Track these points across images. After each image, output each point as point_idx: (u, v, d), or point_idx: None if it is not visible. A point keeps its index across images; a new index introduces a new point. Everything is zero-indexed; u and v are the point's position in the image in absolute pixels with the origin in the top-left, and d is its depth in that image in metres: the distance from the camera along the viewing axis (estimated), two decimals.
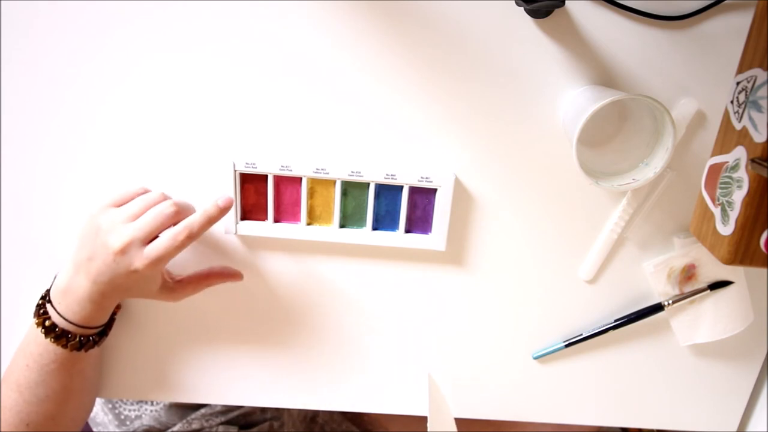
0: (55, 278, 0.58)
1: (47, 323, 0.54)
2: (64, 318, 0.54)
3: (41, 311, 0.55)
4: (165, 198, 0.55)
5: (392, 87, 0.55)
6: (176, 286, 0.58)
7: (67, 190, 0.59)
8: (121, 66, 0.55)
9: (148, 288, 0.55)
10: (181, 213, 0.53)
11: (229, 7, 0.53)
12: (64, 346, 0.55)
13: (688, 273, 0.62)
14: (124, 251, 0.51)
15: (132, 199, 0.55)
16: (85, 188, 0.59)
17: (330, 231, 0.59)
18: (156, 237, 0.52)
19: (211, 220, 0.53)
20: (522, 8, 0.52)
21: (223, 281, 0.60)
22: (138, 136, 0.57)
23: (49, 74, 0.55)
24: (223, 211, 0.54)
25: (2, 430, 0.56)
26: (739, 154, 0.50)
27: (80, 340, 0.55)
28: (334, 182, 0.57)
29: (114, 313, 0.59)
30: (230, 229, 0.59)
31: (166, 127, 0.57)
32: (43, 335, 0.54)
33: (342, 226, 0.59)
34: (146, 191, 0.56)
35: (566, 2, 0.52)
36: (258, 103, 0.56)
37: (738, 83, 0.52)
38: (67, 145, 0.57)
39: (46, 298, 0.56)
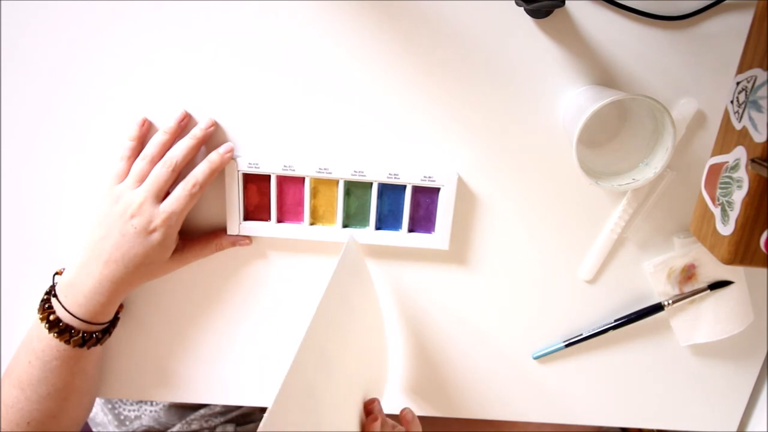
0: (54, 276, 0.59)
1: (51, 318, 0.55)
2: (69, 312, 0.54)
3: (46, 305, 0.55)
4: (162, 148, 0.55)
5: (394, 87, 0.55)
6: (186, 245, 0.58)
7: (67, 189, 0.59)
8: (121, 66, 0.55)
9: (161, 255, 0.55)
10: (170, 136, 0.55)
11: (231, 7, 0.53)
12: (67, 342, 0.55)
13: (688, 273, 0.62)
14: (140, 211, 0.53)
15: (130, 166, 0.55)
16: (85, 188, 0.59)
17: (333, 231, 0.59)
18: (167, 195, 0.54)
19: (214, 169, 0.55)
20: (522, 8, 0.52)
21: (232, 245, 0.60)
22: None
23: (49, 74, 0.55)
24: (224, 157, 0.55)
25: (4, 428, 0.56)
26: (739, 154, 0.50)
27: (83, 336, 0.55)
28: (337, 182, 0.57)
29: (118, 312, 0.59)
30: (233, 229, 0.59)
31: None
32: (47, 330, 0.54)
33: (345, 225, 0.59)
34: (135, 139, 0.56)
35: (566, 2, 0.52)
36: (261, 104, 0.56)
37: (738, 83, 0.52)
38: (67, 145, 0.57)
39: (51, 292, 0.56)
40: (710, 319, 0.63)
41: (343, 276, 0.53)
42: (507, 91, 0.56)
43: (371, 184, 0.58)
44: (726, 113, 0.53)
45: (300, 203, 0.58)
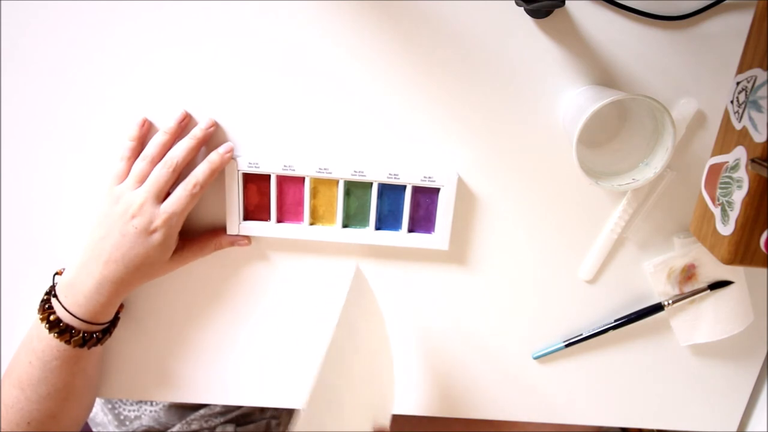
0: (55, 276, 0.59)
1: (52, 318, 0.55)
2: (69, 312, 0.54)
3: (46, 306, 0.55)
4: (163, 148, 0.55)
5: (394, 87, 0.55)
6: (185, 245, 0.58)
7: (67, 189, 0.59)
8: (122, 66, 0.55)
9: (162, 256, 0.55)
10: (170, 137, 0.55)
11: (231, 7, 0.53)
12: (68, 342, 0.55)
13: (688, 273, 0.62)
14: (141, 212, 0.53)
15: (131, 166, 0.55)
16: (85, 188, 0.59)
17: (333, 231, 0.59)
18: (167, 196, 0.54)
19: (215, 169, 0.55)
20: (522, 8, 0.52)
21: (231, 245, 0.60)
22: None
23: (49, 74, 0.55)
24: (224, 157, 0.55)
25: (4, 428, 0.56)
26: (739, 154, 0.50)
27: (84, 336, 0.55)
28: (337, 182, 0.57)
29: (118, 312, 0.59)
30: (233, 229, 0.59)
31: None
32: (47, 330, 0.54)
33: (345, 225, 0.59)
34: (136, 139, 0.56)
35: (566, 2, 0.52)
36: (261, 103, 0.56)
37: (738, 83, 0.52)
38: (67, 145, 0.57)
39: (51, 293, 0.56)
40: (710, 319, 0.63)
41: (352, 310, 0.53)
42: (507, 91, 0.56)
43: (371, 184, 0.57)
44: (726, 113, 0.53)
45: (300, 203, 0.58)
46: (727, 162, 0.52)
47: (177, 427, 0.81)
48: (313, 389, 0.43)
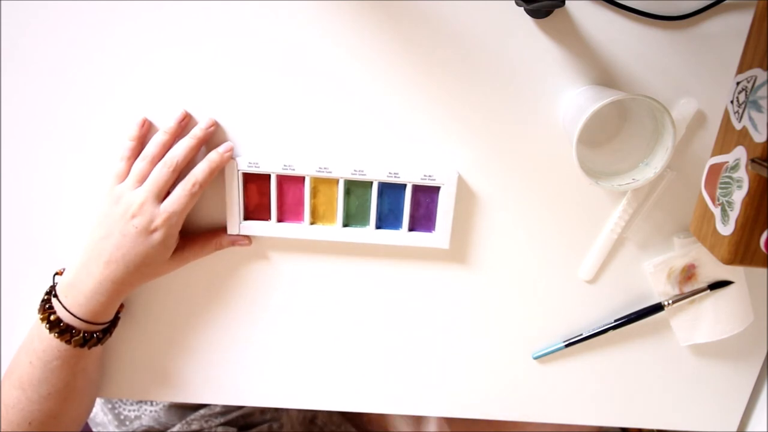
0: (55, 276, 0.59)
1: (52, 318, 0.55)
2: (69, 312, 0.54)
3: (46, 306, 0.56)
4: (163, 148, 0.55)
5: (394, 86, 0.55)
6: (185, 245, 0.58)
7: (67, 189, 0.59)
8: (121, 65, 0.55)
9: (162, 255, 0.55)
10: (171, 136, 0.55)
11: (231, 7, 0.53)
12: (68, 342, 0.55)
13: (688, 273, 0.62)
14: (142, 212, 0.53)
15: (131, 166, 0.55)
16: (85, 188, 0.59)
17: (333, 230, 0.59)
18: (167, 196, 0.54)
19: (214, 168, 0.55)
20: (522, 8, 0.52)
21: (232, 245, 0.60)
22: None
23: (49, 74, 0.55)
24: (223, 157, 0.55)
25: (4, 429, 0.56)
26: (739, 154, 0.50)
27: (84, 336, 0.55)
28: (337, 181, 0.57)
29: (118, 312, 0.59)
30: (234, 229, 0.59)
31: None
32: (48, 330, 0.55)
33: (345, 225, 0.59)
34: (136, 139, 0.56)
35: (566, 2, 0.52)
36: (261, 104, 0.56)
37: (738, 83, 0.52)
38: (67, 145, 0.57)
39: (51, 293, 0.56)
40: (710, 319, 0.63)
41: None
42: (507, 91, 0.56)
43: (371, 183, 0.57)
44: (726, 113, 0.53)
45: (300, 203, 0.58)
46: (727, 162, 0.52)
47: (177, 427, 0.81)
48: None
